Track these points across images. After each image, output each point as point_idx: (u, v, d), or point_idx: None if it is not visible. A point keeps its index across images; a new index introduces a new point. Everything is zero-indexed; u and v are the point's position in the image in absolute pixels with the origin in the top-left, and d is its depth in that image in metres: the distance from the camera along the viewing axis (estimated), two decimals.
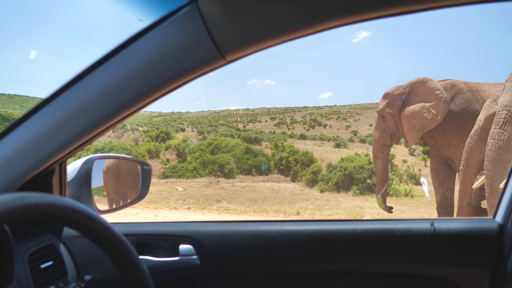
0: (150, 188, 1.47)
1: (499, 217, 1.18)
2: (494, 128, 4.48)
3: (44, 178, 1.04)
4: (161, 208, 9.55)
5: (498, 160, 4.39)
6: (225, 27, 0.74)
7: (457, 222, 1.17)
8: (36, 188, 1.03)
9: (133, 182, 1.46)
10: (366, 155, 15.15)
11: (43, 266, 0.96)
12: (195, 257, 1.16)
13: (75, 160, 1.27)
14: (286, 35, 0.74)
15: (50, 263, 0.99)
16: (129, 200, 1.44)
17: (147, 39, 0.80)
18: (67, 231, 1.12)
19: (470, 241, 1.14)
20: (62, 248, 1.08)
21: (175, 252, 1.17)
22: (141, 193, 1.42)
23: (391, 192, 11.37)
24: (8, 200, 0.53)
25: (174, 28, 0.78)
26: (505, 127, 4.40)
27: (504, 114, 4.44)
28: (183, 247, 1.16)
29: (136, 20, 0.83)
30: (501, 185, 4.59)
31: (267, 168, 16.61)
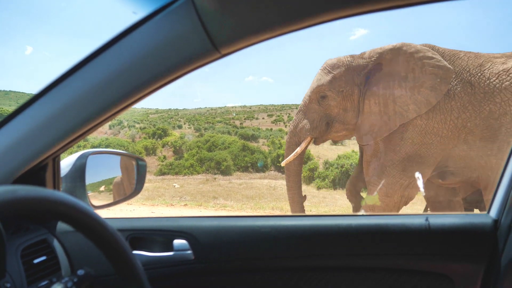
0: (147, 185, 1.47)
1: (493, 212, 1.19)
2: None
3: (37, 173, 1.03)
4: (158, 205, 9.52)
5: (289, 143, 5.01)
6: (219, 20, 0.74)
7: (451, 217, 1.17)
8: (30, 183, 1.01)
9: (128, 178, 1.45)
10: None
11: (36, 261, 0.95)
12: (189, 252, 1.15)
13: (69, 155, 1.26)
14: (281, 28, 0.74)
15: (44, 258, 0.99)
16: (123, 196, 1.43)
17: (141, 32, 0.80)
18: (61, 226, 1.12)
19: (465, 236, 1.15)
20: (55, 243, 1.07)
21: (170, 247, 1.16)
22: (136, 189, 1.41)
23: None
24: None
25: (168, 21, 0.77)
26: (298, 114, 5.00)
27: (301, 104, 5.01)
28: (178, 242, 1.16)
29: (130, 13, 0.83)
30: (283, 163, 5.07)
31: (264, 165, 16.60)
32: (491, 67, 4.20)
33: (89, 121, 0.89)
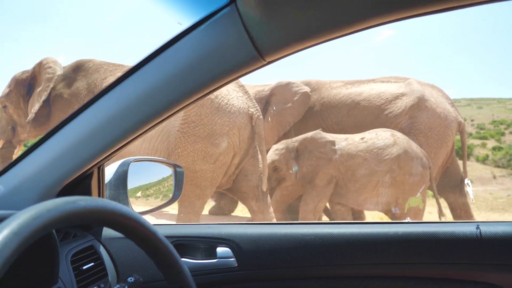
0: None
1: None
2: None
3: (83, 181, 1.06)
4: None
5: None
6: (264, 28, 0.73)
7: (504, 225, 1.11)
8: (77, 190, 1.06)
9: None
10: None
11: (85, 267, 0.98)
12: (232, 259, 1.15)
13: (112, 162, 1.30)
14: (325, 35, 0.73)
15: (91, 264, 1.01)
16: (162, 202, 1.45)
17: (186, 41, 0.81)
18: (106, 232, 1.14)
19: None
20: (101, 249, 1.10)
21: (213, 254, 1.17)
22: (174, 195, 1.43)
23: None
24: (60, 204, 0.53)
25: (213, 30, 0.77)
26: None
27: None
28: (221, 249, 1.16)
29: (175, 24, 0.84)
30: None
31: None
32: None
33: (133, 130, 0.91)
